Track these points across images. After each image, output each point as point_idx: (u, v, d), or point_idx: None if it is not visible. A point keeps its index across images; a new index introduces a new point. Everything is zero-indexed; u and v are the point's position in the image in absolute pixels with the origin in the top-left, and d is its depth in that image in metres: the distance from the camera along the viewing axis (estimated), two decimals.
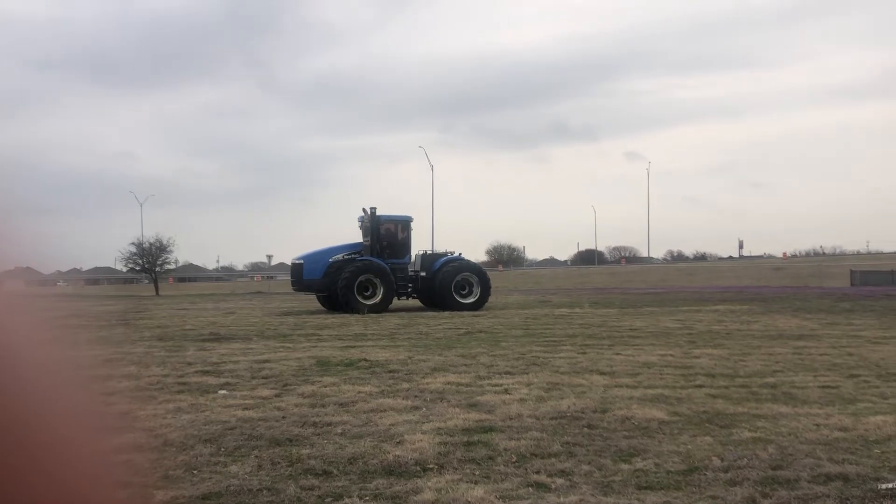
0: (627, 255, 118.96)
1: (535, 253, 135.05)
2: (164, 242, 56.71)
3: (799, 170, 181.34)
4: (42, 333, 0.87)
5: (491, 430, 6.40)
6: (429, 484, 4.88)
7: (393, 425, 6.61)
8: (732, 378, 9.15)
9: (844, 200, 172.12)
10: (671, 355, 11.35)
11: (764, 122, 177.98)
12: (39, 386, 0.81)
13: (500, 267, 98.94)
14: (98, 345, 14.15)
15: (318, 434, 6.36)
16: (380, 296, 23.66)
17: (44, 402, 0.80)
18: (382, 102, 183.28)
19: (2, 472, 0.73)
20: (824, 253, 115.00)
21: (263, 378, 9.57)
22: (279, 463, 5.46)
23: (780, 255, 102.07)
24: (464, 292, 24.81)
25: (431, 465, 5.34)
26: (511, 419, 6.80)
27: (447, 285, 24.44)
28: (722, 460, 5.38)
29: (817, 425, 6.46)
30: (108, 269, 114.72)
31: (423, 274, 24.94)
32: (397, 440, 6.05)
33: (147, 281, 62.15)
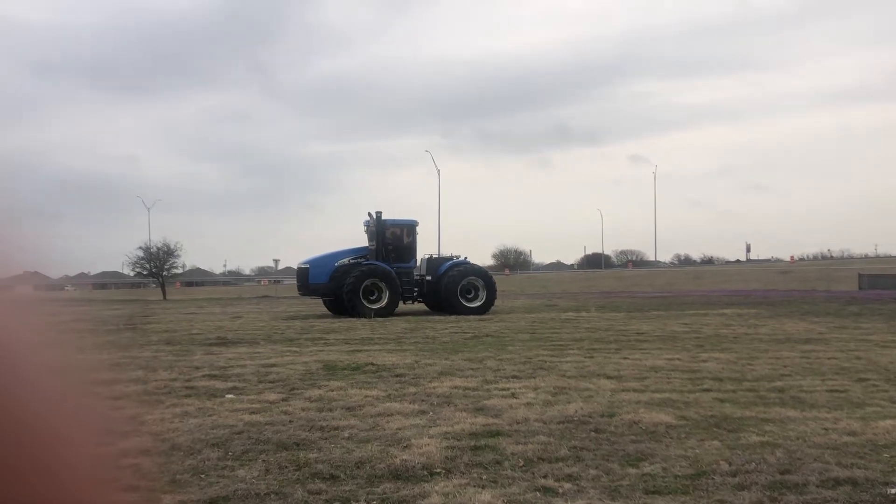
0: (634, 258, 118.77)
1: (541, 257, 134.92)
2: (172, 247, 56.81)
3: (803, 173, 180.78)
4: (44, 336, 0.87)
5: (498, 434, 6.40)
6: (436, 488, 4.88)
7: (400, 429, 6.61)
8: (740, 382, 9.12)
9: (852, 203, 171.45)
10: (678, 359, 11.32)
11: (767, 124, 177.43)
12: (40, 388, 0.82)
13: (507, 271, 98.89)
14: (105, 349, 14.19)
15: (326, 438, 6.37)
16: (385, 300, 23.65)
17: (45, 404, 0.81)
18: (385, 107, 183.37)
19: (2, 472, 0.74)
20: (832, 256, 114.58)
21: (270, 382, 9.58)
22: (286, 467, 5.47)
23: (788, 259, 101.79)
24: (470, 296, 24.79)
25: (439, 470, 5.34)
26: (518, 423, 6.80)
27: (453, 289, 24.41)
28: (730, 464, 5.36)
29: (826, 429, 6.44)
30: (116, 274, 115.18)
31: (428, 278, 24.91)
32: (404, 444, 6.05)
33: (154, 285, 62.21)
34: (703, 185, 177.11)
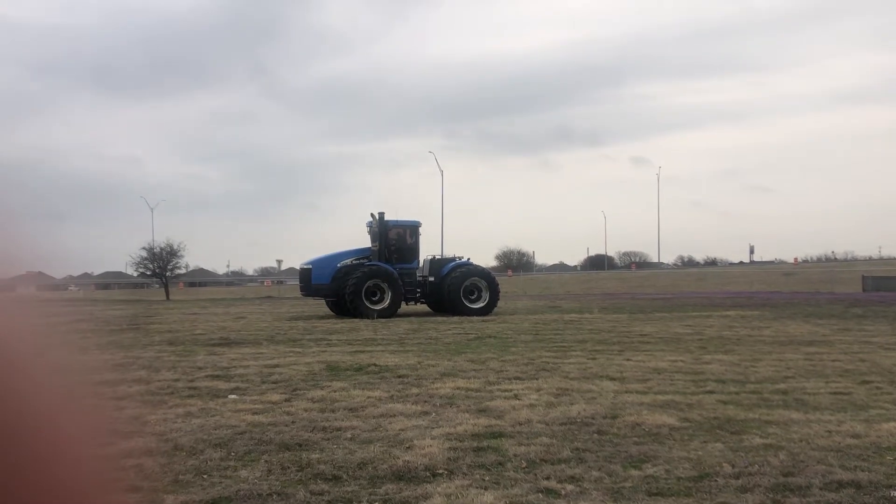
0: (637, 260, 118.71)
1: (544, 258, 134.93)
2: (175, 247, 56.87)
3: (807, 174, 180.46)
4: (44, 336, 0.87)
5: (500, 435, 6.39)
6: (438, 489, 4.88)
7: (402, 430, 6.61)
8: (743, 384, 9.11)
9: (856, 205, 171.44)
10: (681, 361, 11.30)
11: (770, 126, 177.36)
12: (42, 388, 0.81)
13: (510, 272, 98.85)
14: (109, 349, 14.21)
15: (328, 439, 6.37)
16: (388, 301, 23.63)
17: (46, 404, 0.81)
18: (387, 108, 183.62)
19: (4, 472, 0.74)
20: (836, 258, 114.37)
21: (273, 383, 9.58)
22: (289, 468, 5.47)
23: (791, 261, 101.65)
24: (472, 297, 24.75)
25: (441, 471, 5.34)
26: (521, 425, 6.79)
27: (456, 290, 24.38)
28: (733, 467, 5.35)
29: (829, 432, 6.43)
30: (119, 274, 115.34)
31: (431, 279, 24.88)
32: (407, 445, 6.04)
33: (158, 286, 62.35)
34: (706, 186, 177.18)
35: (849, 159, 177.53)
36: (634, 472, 5.29)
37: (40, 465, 0.76)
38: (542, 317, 22.77)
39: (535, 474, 5.24)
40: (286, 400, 8.31)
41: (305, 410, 7.63)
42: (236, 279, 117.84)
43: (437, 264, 25.28)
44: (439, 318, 22.70)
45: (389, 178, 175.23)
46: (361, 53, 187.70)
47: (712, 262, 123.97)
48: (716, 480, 5.07)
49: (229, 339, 16.20)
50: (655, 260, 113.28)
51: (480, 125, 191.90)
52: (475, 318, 22.64)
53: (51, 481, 0.77)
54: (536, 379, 9.56)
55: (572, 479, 5.11)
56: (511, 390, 8.68)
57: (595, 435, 6.42)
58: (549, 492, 4.86)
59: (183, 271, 63.79)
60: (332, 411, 7.59)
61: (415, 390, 8.82)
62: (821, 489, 4.83)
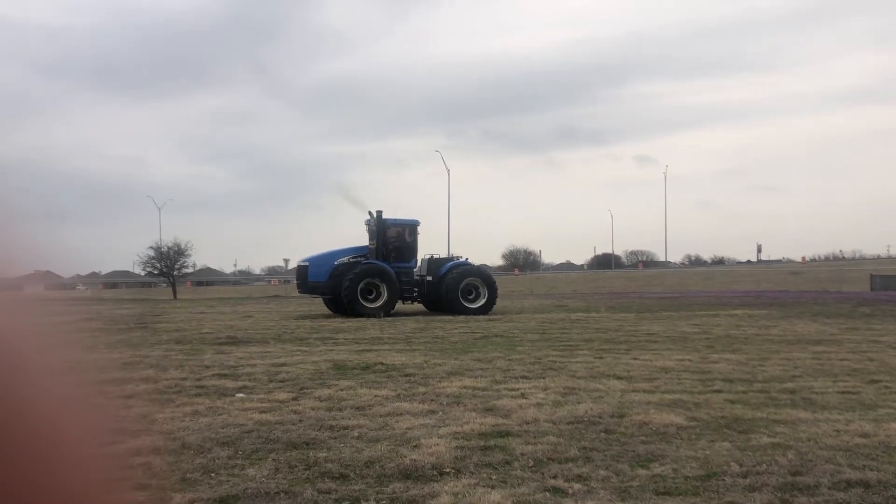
0: (644, 259, 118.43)
1: (551, 257, 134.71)
2: (182, 246, 57.04)
3: (814, 174, 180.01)
4: (44, 336, 0.86)
5: (507, 434, 6.39)
6: (445, 488, 4.88)
7: (409, 429, 6.61)
8: (751, 383, 9.09)
9: (864, 204, 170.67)
10: (689, 360, 11.28)
11: (773, 126, 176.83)
12: (43, 387, 0.81)
13: (517, 271, 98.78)
14: (116, 348, 14.25)
15: (335, 437, 6.38)
16: (383, 299, 23.51)
17: (47, 403, 0.81)
18: (390, 108, 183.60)
19: (5, 470, 0.74)
20: (844, 257, 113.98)
21: (280, 381, 9.60)
22: (296, 466, 5.48)
23: (799, 260, 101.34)
24: (470, 297, 24.64)
25: (448, 470, 5.34)
26: (528, 424, 6.79)
27: (454, 290, 24.26)
28: (740, 466, 5.34)
29: (837, 431, 6.40)
30: (127, 273, 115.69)
31: (429, 278, 24.75)
32: (414, 444, 6.05)
33: (165, 285, 62.51)
34: (712, 185, 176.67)
35: (855, 158, 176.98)
36: (642, 472, 5.28)
37: (40, 465, 0.76)
38: (549, 316, 22.76)
39: (543, 473, 5.24)
40: (293, 398, 8.32)
41: (313, 409, 7.64)
42: (243, 278, 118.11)
43: (435, 264, 25.17)
44: (445, 318, 22.70)
45: (392, 177, 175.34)
46: (363, 53, 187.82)
47: (720, 261, 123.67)
48: (723, 479, 5.05)
49: (236, 337, 16.24)
50: (662, 259, 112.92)
51: (483, 124, 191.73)
52: (481, 317, 22.63)
53: (51, 481, 0.77)
54: (543, 378, 9.55)
55: (579, 478, 5.11)
56: (518, 389, 8.68)
57: (602, 434, 6.41)
58: (556, 491, 4.86)
59: (190, 270, 63.99)
60: (340, 410, 7.60)
61: (422, 389, 8.82)
62: (829, 488, 4.82)
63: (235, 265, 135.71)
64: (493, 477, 5.17)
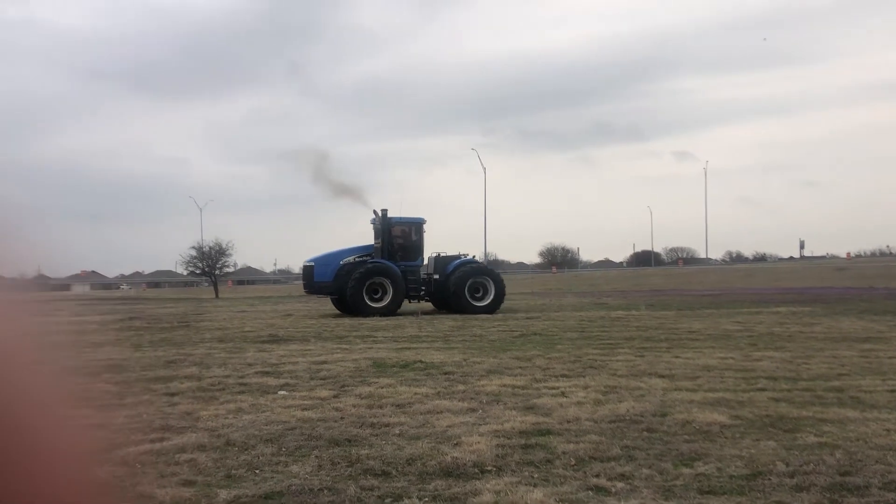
0: (685, 256, 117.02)
1: (589, 255, 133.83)
2: (224, 246, 57.83)
3: (858, 168, 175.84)
4: (35, 339, 0.87)
5: (548, 433, 6.37)
6: (487, 486, 4.88)
7: (450, 427, 6.63)
8: (795, 381, 8.93)
9: None
10: (731, 358, 11.13)
11: (815, 118, 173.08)
12: (23, 388, 0.82)
13: (554, 269, 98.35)
14: (161, 346, 14.51)
15: (377, 435, 6.42)
16: (389, 299, 23.41)
17: (27, 405, 0.81)
18: (424, 106, 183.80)
19: None
20: (891, 252, 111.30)
21: (321, 379, 9.69)
22: (339, 463, 5.53)
23: (844, 256, 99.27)
24: (478, 295, 24.38)
25: (490, 468, 5.34)
26: (569, 422, 6.76)
27: (461, 288, 24.03)
28: (787, 465, 5.26)
29: (887, 430, 6.27)
30: (170, 273, 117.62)
31: (436, 277, 24.56)
32: (455, 442, 6.06)
33: (207, 284, 63.46)
34: (752, 180, 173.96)
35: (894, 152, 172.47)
36: (686, 470, 5.23)
37: (22, 469, 0.77)
38: (588, 314, 22.61)
39: (585, 472, 5.21)
40: (334, 396, 8.39)
41: (354, 406, 7.70)
42: (283, 277, 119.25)
43: (441, 262, 24.94)
44: (483, 316, 22.66)
45: (426, 176, 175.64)
46: (396, 52, 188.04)
47: (761, 258, 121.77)
48: (769, 479, 4.98)
49: (278, 336, 16.42)
50: (703, 256, 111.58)
51: (517, 122, 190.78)
52: (520, 315, 22.55)
53: (34, 485, 0.78)
54: (583, 376, 9.50)
55: (622, 477, 5.07)
56: (558, 388, 8.64)
57: (644, 433, 6.35)
58: (599, 489, 4.83)
59: (231, 270, 64.91)
60: (380, 407, 7.65)
61: (461, 387, 8.83)
62: (880, 489, 4.72)
63: (276, 264, 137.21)
64: (535, 475, 5.16)
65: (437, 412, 7.33)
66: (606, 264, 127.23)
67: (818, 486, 4.80)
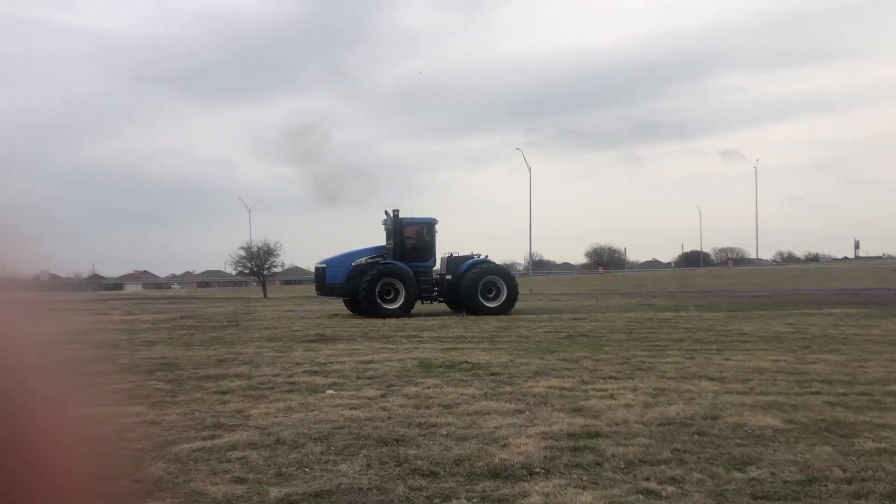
0: (734, 256, 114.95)
1: (636, 255, 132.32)
2: (271, 246, 58.62)
3: None
4: (33, 337, 0.88)
5: (597, 435, 6.32)
6: (536, 488, 4.86)
7: (497, 428, 6.61)
8: (852, 385, 8.71)
9: None
10: (784, 361, 10.90)
11: (867, 115, 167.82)
12: (23, 386, 0.82)
13: (601, 269, 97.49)
14: (211, 345, 14.76)
15: (424, 435, 6.44)
16: (401, 300, 23.34)
17: (27, 402, 0.82)
18: (465, 106, 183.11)
19: None
20: None
21: (368, 378, 9.75)
22: (387, 463, 5.56)
23: None
24: (490, 296, 24.23)
25: (538, 469, 5.32)
26: (617, 425, 6.70)
27: (473, 288, 23.89)
28: (844, 471, 5.13)
29: None
30: (219, 273, 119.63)
31: (448, 277, 24.45)
32: (502, 443, 6.05)
33: (255, 284, 64.38)
34: (804, 179, 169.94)
35: None
36: (738, 475, 5.14)
37: (22, 464, 0.78)
38: (636, 315, 22.37)
39: (635, 475, 5.16)
40: (382, 396, 8.44)
41: (401, 406, 7.73)
42: None
43: (454, 262, 24.81)
44: (530, 316, 22.60)
45: (469, 176, 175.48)
46: (436, 53, 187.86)
47: (814, 258, 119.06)
48: (825, 485, 4.86)
49: (325, 335, 16.59)
50: (753, 256, 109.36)
51: (560, 121, 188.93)
52: (566, 315, 22.42)
53: (35, 480, 0.79)
54: (632, 378, 9.40)
55: (673, 481, 5.01)
56: (606, 390, 8.57)
57: (695, 436, 6.26)
58: (649, 493, 4.77)
59: (279, 269, 65.71)
60: (427, 408, 7.67)
61: (508, 388, 8.81)
62: None
63: None
64: (584, 478, 5.12)
65: (484, 413, 7.32)
66: (654, 265, 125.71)
67: (877, 493, 4.68)
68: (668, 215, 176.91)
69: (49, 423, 0.84)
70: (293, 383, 9.45)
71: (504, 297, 24.34)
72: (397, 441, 6.23)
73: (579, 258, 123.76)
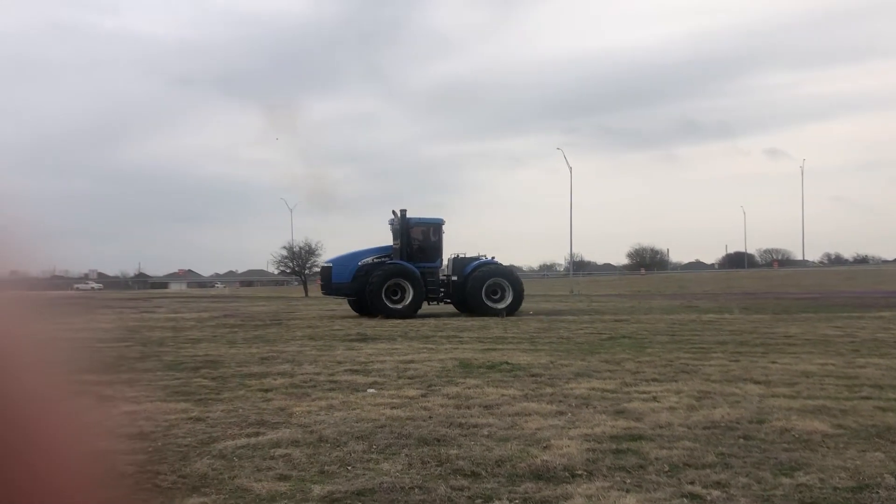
0: (780, 257, 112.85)
1: (679, 256, 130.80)
2: (313, 246, 59.18)
3: None
4: (32, 336, 0.87)
5: (640, 438, 6.25)
6: (578, 490, 4.83)
7: (539, 429, 6.58)
8: None
9: None
10: (832, 364, 10.67)
11: None
12: (22, 385, 0.82)
13: (643, 270, 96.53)
14: (255, 343, 14.95)
15: (465, 435, 6.43)
16: (409, 300, 23.27)
17: (27, 401, 0.82)
18: (503, 106, 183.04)
19: None
20: None
21: (409, 378, 9.78)
22: (428, 462, 5.56)
23: None
24: (495, 297, 24.12)
25: (580, 472, 5.27)
26: (661, 427, 6.62)
27: (478, 289, 23.82)
28: None
29: None
30: (261, 272, 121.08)
31: (454, 278, 24.38)
32: (544, 445, 6.01)
33: (297, 283, 65.03)
34: (850, 179, 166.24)
35: None
36: (785, 480, 5.04)
37: (23, 464, 0.78)
38: (679, 317, 22.10)
39: (679, 479, 5.09)
40: (422, 395, 8.46)
41: (441, 406, 7.74)
42: None
43: (460, 263, 24.75)
44: (570, 317, 22.47)
45: (508, 175, 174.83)
46: (474, 53, 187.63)
47: (863, 260, 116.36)
48: (877, 492, 4.74)
49: (365, 334, 16.69)
50: (800, 257, 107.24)
51: (599, 120, 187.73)
52: (608, 316, 22.23)
53: (34, 481, 0.79)
54: (675, 381, 9.28)
55: (718, 485, 4.93)
56: (649, 392, 8.47)
57: (741, 440, 6.16)
58: (694, 497, 4.71)
59: (320, 269, 66.26)
60: (468, 408, 7.66)
61: (549, 390, 8.76)
62: None
63: None
64: (628, 481, 5.07)
65: (525, 414, 7.29)
66: (697, 266, 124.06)
67: None
68: (712, 216, 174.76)
69: (44, 424, 0.84)
70: (335, 382, 9.52)
71: (509, 299, 24.25)
72: (438, 441, 6.23)
73: (621, 259, 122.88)
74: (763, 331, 16.69)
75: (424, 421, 7.01)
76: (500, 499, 4.71)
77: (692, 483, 4.97)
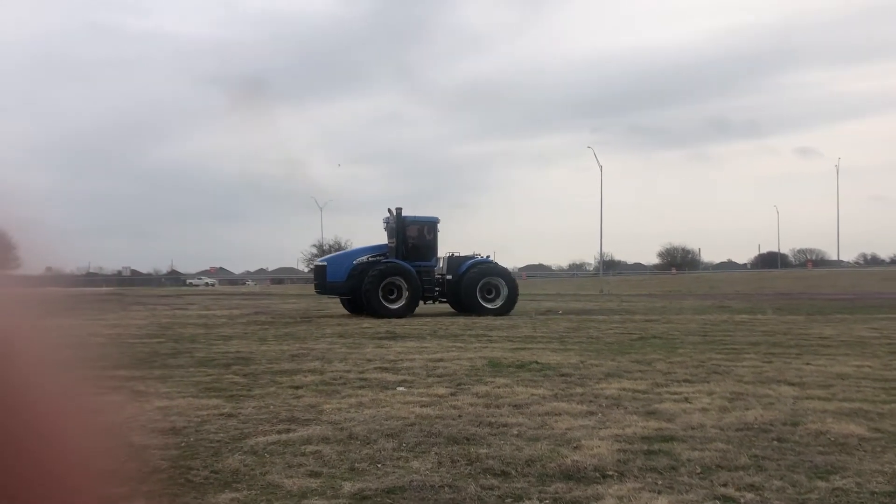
0: (814, 258, 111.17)
1: (711, 256, 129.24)
2: (342, 244, 59.51)
3: None
4: (38, 333, 0.87)
5: (672, 439, 6.19)
6: (609, 491, 4.79)
7: (569, 429, 6.55)
8: None
9: None
10: (868, 366, 10.49)
11: None
12: (31, 382, 0.82)
13: (674, 270, 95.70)
14: (285, 340, 15.06)
15: (495, 434, 6.42)
16: (405, 299, 23.08)
17: (35, 398, 0.82)
18: (531, 105, 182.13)
19: None
20: None
21: (438, 376, 9.79)
22: (458, 461, 5.56)
23: None
24: (490, 296, 23.94)
25: (611, 472, 5.24)
26: (693, 429, 6.55)
27: (472, 288, 23.66)
28: None
29: None
30: (292, 270, 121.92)
31: (449, 277, 24.18)
32: (574, 445, 5.98)
33: None
34: (888, 178, 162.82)
35: None
36: (821, 483, 4.96)
37: (31, 460, 0.78)
38: (711, 317, 21.86)
39: (711, 480, 5.03)
40: (451, 394, 8.46)
41: (471, 405, 7.73)
42: None
43: (455, 262, 24.53)
44: (600, 317, 22.34)
45: (537, 174, 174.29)
46: (502, 51, 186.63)
47: None
48: None
49: (395, 332, 16.73)
50: (834, 258, 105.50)
51: (628, 119, 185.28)
52: (638, 317, 22.07)
53: (43, 477, 0.79)
54: (707, 382, 9.18)
55: (752, 488, 4.87)
56: (680, 393, 8.39)
57: (774, 442, 6.08)
58: (726, 499, 4.65)
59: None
60: (497, 407, 7.64)
61: (579, 390, 8.71)
62: None
63: None
64: (659, 482, 5.02)
65: (556, 414, 7.26)
66: (729, 266, 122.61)
67: None
68: (744, 215, 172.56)
69: (50, 418, 0.84)
70: (364, 379, 9.56)
71: (504, 299, 24.14)
72: (468, 440, 6.23)
73: (651, 259, 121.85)
74: (797, 332, 16.46)
75: (454, 419, 7.01)
76: (530, 498, 4.69)
77: (725, 485, 4.91)
